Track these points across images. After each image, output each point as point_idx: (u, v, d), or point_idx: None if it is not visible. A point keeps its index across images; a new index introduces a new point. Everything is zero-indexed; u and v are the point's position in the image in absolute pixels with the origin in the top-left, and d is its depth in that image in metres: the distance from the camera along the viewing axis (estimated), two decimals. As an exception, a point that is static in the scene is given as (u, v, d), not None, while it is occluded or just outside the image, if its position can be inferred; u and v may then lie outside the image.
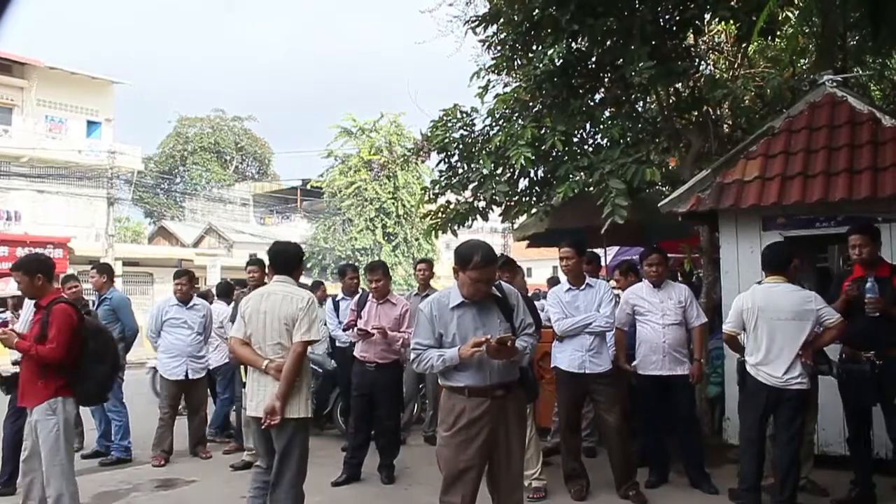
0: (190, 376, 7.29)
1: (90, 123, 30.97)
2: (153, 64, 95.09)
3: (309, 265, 36.13)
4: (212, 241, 38.61)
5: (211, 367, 7.88)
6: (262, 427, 4.37)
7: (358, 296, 6.89)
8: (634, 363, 5.89)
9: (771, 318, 4.83)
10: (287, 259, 4.74)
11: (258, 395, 4.43)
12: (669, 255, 6.93)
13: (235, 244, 36.73)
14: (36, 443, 4.73)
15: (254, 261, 7.43)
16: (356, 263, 27.99)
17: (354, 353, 6.40)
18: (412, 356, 3.86)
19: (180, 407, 7.54)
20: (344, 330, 7.01)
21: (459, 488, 3.74)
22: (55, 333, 4.63)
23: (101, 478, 6.54)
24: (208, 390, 7.98)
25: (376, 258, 31.52)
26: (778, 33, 8.16)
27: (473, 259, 3.68)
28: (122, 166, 29.81)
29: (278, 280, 4.64)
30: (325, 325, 8.13)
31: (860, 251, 5.05)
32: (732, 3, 7.18)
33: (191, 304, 7.44)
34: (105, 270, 7.44)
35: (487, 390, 3.76)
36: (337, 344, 7.65)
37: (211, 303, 8.29)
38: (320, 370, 8.17)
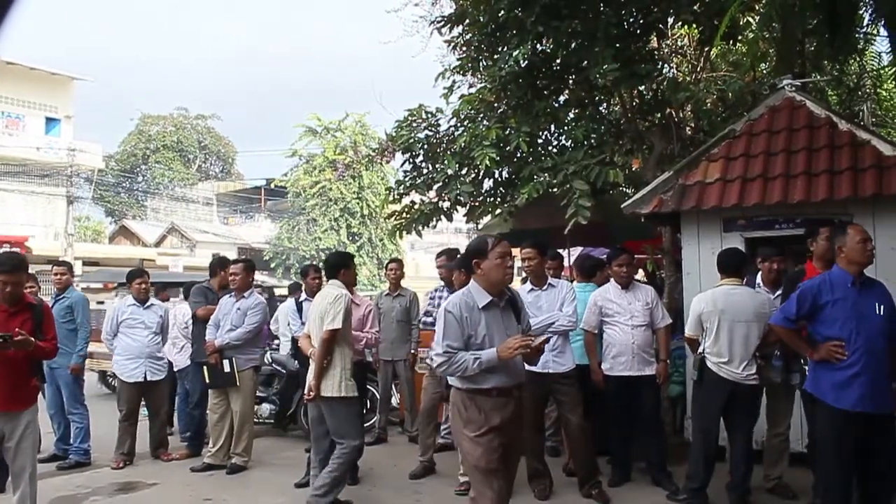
0: (149, 378, 7.13)
1: (49, 120, 30.35)
2: (119, 62, 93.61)
3: (273, 265, 35.85)
4: (174, 240, 38.06)
5: (176, 370, 7.84)
6: (306, 401, 5.48)
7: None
8: (604, 366, 5.88)
9: (732, 320, 5.01)
10: (328, 266, 5.73)
11: (309, 377, 5.40)
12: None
13: (198, 244, 36.25)
14: (16, 448, 4.52)
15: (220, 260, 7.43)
16: (319, 264, 27.74)
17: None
18: (439, 360, 3.76)
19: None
20: (308, 331, 6.96)
21: (493, 482, 3.74)
22: (53, 332, 4.83)
23: (59, 482, 6.41)
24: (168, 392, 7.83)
25: (341, 259, 31.32)
26: (739, 38, 8.30)
27: (489, 242, 3.84)
28: (83, 164, 29.24)
29: (329, 284, 5.64)
30: (289, 325, 8.08)
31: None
32: (695, 8, 7.28)
33: (148, 304, 7.34)
34: (70, 269, 7.38)
35: (511, 390, 3.84)
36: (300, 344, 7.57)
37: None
38: (283, 371, 8.12)
